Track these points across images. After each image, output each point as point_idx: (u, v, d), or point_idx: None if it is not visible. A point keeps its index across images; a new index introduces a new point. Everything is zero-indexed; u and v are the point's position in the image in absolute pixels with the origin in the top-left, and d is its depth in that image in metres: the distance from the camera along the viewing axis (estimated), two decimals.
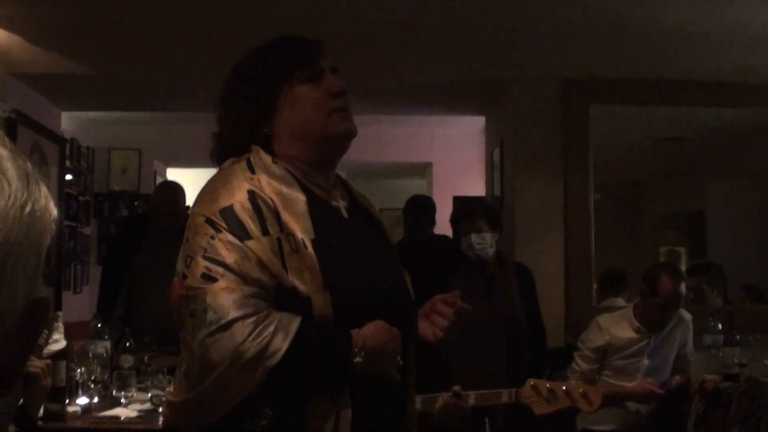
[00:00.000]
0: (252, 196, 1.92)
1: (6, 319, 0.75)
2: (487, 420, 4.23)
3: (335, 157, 2.14)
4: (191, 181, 8.69)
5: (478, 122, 7.44)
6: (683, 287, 4.43)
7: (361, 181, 10.60)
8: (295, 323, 1.83)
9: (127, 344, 4.01)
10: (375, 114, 7.42)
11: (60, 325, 3.67)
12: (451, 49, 5.61)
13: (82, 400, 3.77)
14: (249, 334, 1.79)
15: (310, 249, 1.89)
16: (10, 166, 0.76)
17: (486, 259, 4.51)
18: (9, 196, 0.74)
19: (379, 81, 5.83)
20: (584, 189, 5.56)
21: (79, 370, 3.83)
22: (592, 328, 4.59)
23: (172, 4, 5.31)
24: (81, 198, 7.76)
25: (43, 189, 0.80)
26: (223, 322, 1.79)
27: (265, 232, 1.88)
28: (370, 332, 1.92)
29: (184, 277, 1.87)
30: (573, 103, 5.58)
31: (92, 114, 7.71)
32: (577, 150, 5.57)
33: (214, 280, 1.82)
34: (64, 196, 6.84)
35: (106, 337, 4.07)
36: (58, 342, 3.78)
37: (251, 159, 2.02)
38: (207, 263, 1.84)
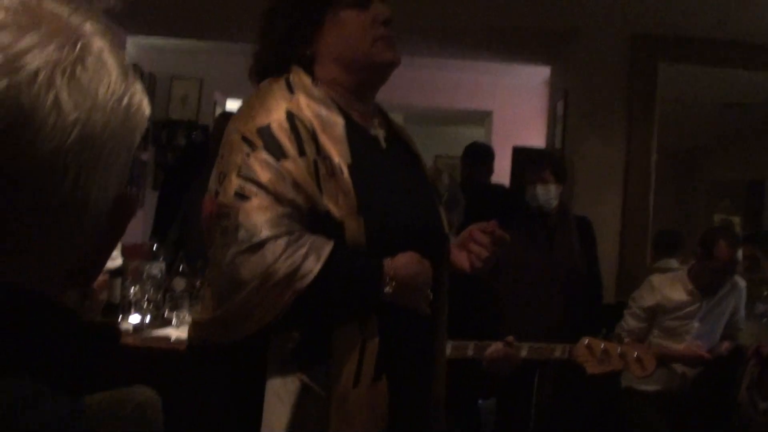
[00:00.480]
0: (290, 116, 1.88)
1: (97, 211, 0.76)
2: (537, 372, 4.23)
3: (376, 85, 2.09)
4: None
5: (542, 73, 7.34)
6: (740, 253, 4.38)
7: (419, 126, 10.56)
8: (327, 247, 1.79)
9: (180, 268, 4.05)
10: (437, 57, 7.36)
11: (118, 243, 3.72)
12: None
13: (135, 318, 3.82)
14: (280, 255, 1.75)
15: (347, 174, 1.85)
16: (110, 58, 0.76)
17: (549, 211, 4.50)
18: (109, 87, 0.75)
19: (444, 22, 5.77)
20: (647, 148, 5.49)
21: (132, 289, 3.87)
22: (645, 287, 4.56)
23: None
24: None
25: (139, 85, 0.80)
26: (255, 240, 1.76)
27: (301, 152, 1.84)
28: (402, 263, 1.88)
29: (216, 194, 1.84)
30: (641, 59, 5.49)
31: (156, 41, 7.73)
32: (643, 108, 5.49)
33: (247, 198, 1.78)
34: None
35: (161, 258, 4.11)
36: (114, 260, 3.83)
37: (290, 79, 1.97)
38: (241, 181, 1.80)
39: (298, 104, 1.90)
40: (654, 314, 4.48)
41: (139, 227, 7.46)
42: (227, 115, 5.46)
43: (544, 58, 6.72)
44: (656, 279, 4.57)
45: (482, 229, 2.16)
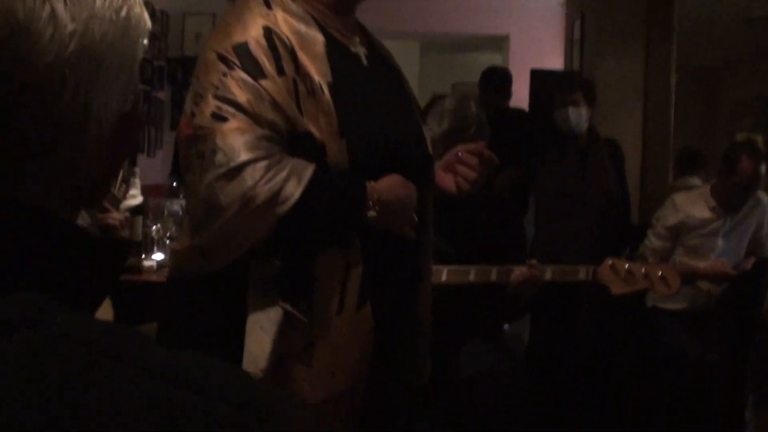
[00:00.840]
0: (268, 32, 1.77)
1: (99, 126, 0.75)
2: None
3: (356, 1, 1.98)
4: None
5: None
6: (763, 168, 4.33)
7: (436, 54, 10.48)
8: (309, 170, 1.73)
9: None
10: None
11: (137, 181, 3.72)
12: None
13: (158, 256, 3.84)
14: (260, 178, 1.68)
15: (327, 93, 1.77)
16: None
17: (579, 134, 4.50)
18: None
19: None
20: (666, 66, 5.42)
21: (154, 227, 3.89)
22: (668, 206, 4.54)
23: None
24: (155, 62, 7.78)
25: None
26: (233, 164, 1.68)
27: (280, 71, 1.75)
28: (386, 186, 1.83)
29: (192, 116, 1.75)
30: None
31: None
32: (661, 26, 5.42)
33: (225, 119, 1.70)
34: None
35: (181, 195, 4.12)
36: (135, 197, 3.84)
37: None
38: (218, 102, 1.71)
39: (275, 20, 1.80)
40: (677, 233, 4.46)
41: (159, 166, 7.48)
42: None
43: None
44: (679, 197, 4.54)
45: (469, 150, 2.11)
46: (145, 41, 0.80)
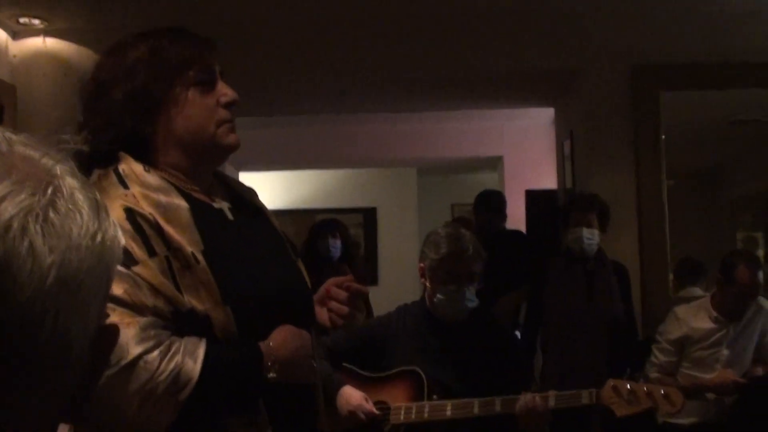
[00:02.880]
0: (130, 213, 1.72)
1: (80, 348, 0.77)
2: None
3: (215, 166, 2.00)
4: (264, 185, 8.79)
5: (547, 114, 7.39)
6: (761, 275, 4.35)
7: (434, 177, 10.61)
8: (201, 348, 1.69)
9: None
10: (444, 110, 7.42)
11: None
12: (518, 38, 5.59)
13: None
14: (156, 369, 1.63)
15: (203, 262, 1.74)
16: (81, 197, 0.78)
17: (589, 255, 4.52)
18: (81, 226, 0.76)
19: (446, 74, 5.82)
20: (656, 177, 5.48)
21: None
22: (670, 320, 4.54)
23: (242, 9, 5.35)
24: None
25: (112, 219, 0.83)
26: (124, 362, 1.60)
27: (151, 253, 1.70)
28: (280, 342, 1.81)
29: None
30: (643, 91, 5.51)
31: None
32: (648, 138, 5.50)
33: (106, 316, 1.63)
34: None
35: None
36: None
37: (121, 170, 1.80)
38: None
39: (134, 198, 1.75)
40: (682, 346, 4.45)
41: None
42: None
43: (548, 100, 6.77)
44: (680, 310, 4.55)
45: (338, 283, 2.10)
46: (121, 254, 0.83)
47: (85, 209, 0.78)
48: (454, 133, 8.53)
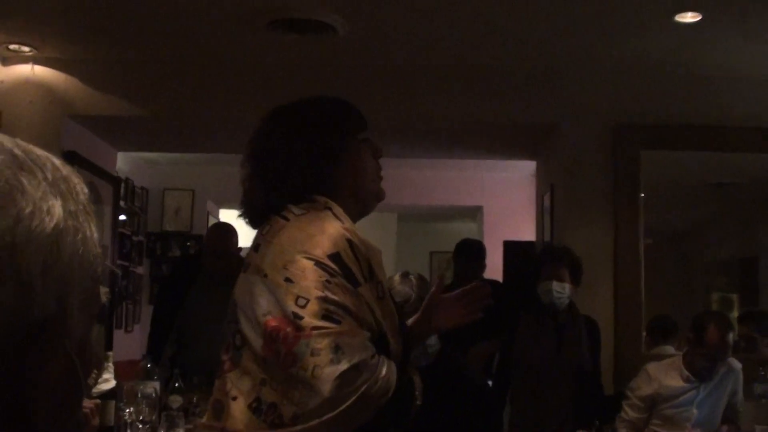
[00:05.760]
0: (350, 244, 1.98)
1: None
2: None
3: (364, 216, 2.25)
4: (244, 225, 8.78)
5: (528, 167, 7.44)
6: (731, 337, 4.37)
7: (413, 224, 10.63)
8: (393, 365, 1.96)
9: (176, 385, 4.04)
10: (426, 158, 7.46)
11: (110, 365, 3.72)
12: (501, 92, 5.67)
13: None
14: (375, 371, 1.88)
15: (389, 297, 2.04)
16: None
17: (559, 308, 4.52)
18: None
19: (429, 124, 5.87)
20: (634, 236, 5.53)
21: (128, 410, 3.86)
22: (641, 376, 4.55)
23: (228, 48, 5.40)
24: (134, 238, 7.88)
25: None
26: (354, 362, 1.86)
27: (366, 279, 1.97)
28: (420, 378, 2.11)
29: (296, 316, 1.88)
30: (624, 149, 5.57)
31: (147, 155, 7.84)
32: (628, 196, 5.55)
33: (338, 321, 1.89)
34: (117, 235, 6.94)
35: (155, 377, 4.10)
36: (107, 382, 3.83)
37: (332, 208, 2.08)
38: (326, 305, 1.89)
39: (352, 232, 2.02)
40: (653, 403, 4.46)
41: (136, 342, 7.46)
42: (221, 226, 5.49)
43: (529, 153, 6.82)
44: (652, 367, 4.56)
45: (436, 293, 2.41)
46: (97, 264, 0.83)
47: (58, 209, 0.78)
48: (435, 181, 8.59)
